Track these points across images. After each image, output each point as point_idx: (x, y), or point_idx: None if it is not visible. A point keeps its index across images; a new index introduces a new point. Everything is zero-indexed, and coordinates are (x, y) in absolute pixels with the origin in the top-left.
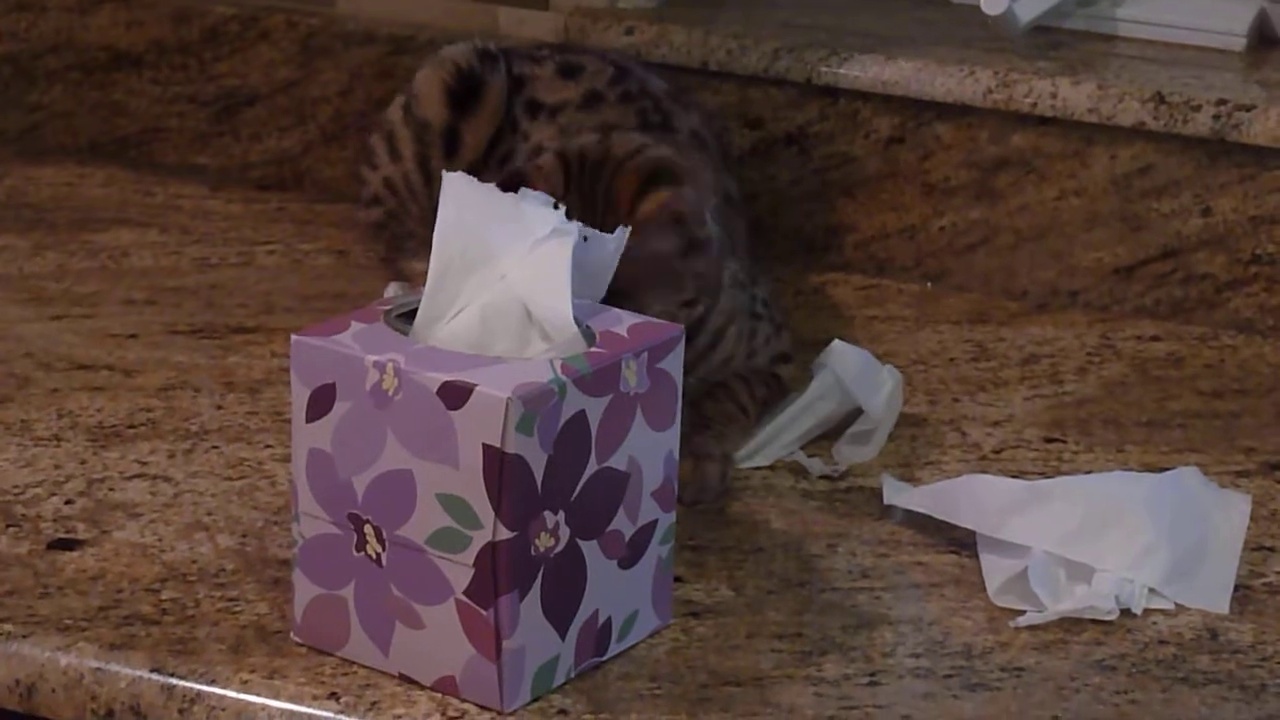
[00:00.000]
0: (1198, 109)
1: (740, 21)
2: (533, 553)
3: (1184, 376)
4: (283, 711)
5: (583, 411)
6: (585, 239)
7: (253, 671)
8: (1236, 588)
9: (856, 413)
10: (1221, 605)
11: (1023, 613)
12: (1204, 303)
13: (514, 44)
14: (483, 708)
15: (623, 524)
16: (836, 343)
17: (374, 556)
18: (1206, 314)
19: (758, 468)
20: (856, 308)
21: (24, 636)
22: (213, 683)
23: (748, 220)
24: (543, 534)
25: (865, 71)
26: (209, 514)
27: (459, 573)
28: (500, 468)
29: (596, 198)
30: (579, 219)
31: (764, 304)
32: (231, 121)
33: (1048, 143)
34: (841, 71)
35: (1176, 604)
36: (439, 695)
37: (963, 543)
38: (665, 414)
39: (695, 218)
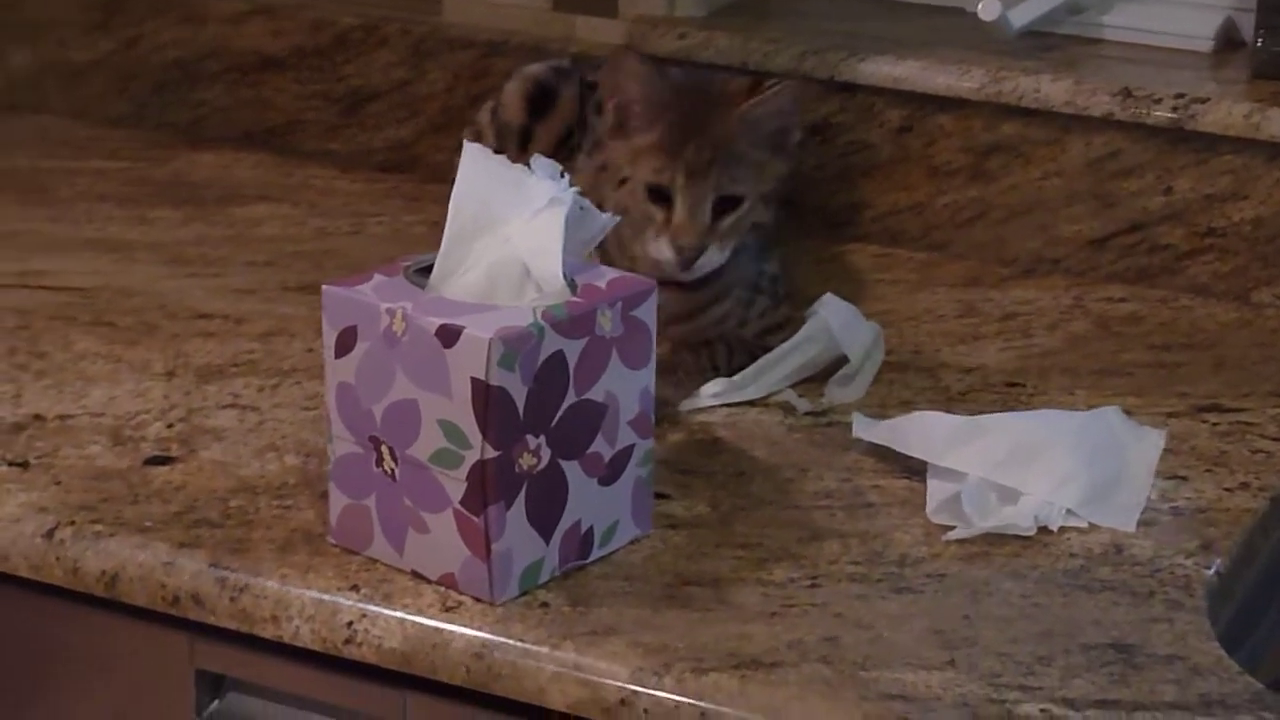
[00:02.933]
0: (1159, 101)
1: (776, 27)
2: (517, 470)
3: (1140, 333)
4: (312, 599)
5: (561, 351)
6: (582, 209)
7: (292, 567)
8: (1145, 510)
9: (844, 358)
10: (1129, 525)
11: (954, 529)
12: (1165, 269)
13: (590, 54)
14: (477, 599)
15: (602, 447)
16: (828, 295)
17: (389, 472)
18: (1168, 279)
19: (751, 402)
20: (869, 272)
21: (111, 535)
22: (258, 575)
23: (775, 208)
24: (525, 454)
25: (878, 69)
26: (283, 438)
27: (455, 486)
28: (485, 397)
29: (710, 93)
30: (696, 109)
31: (771, 280)
32: (358, 115)
33: (1032, 131)
34: (859, 69)
35: (1090, 523)
36: (442, 589)
37: (916, 470)
38: (640, 355)
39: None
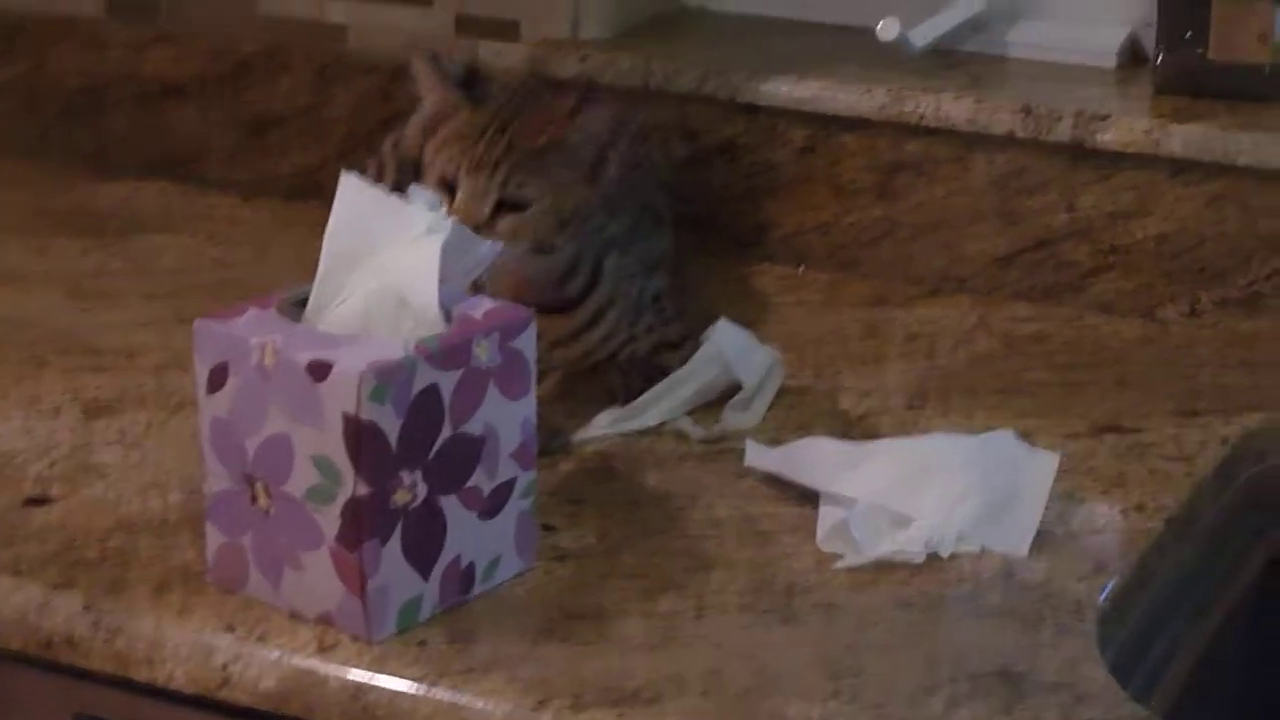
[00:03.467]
0: (1059, 119)
1: (680, 49)
2: (392, 506)
3: (1044, 352)
4: (187, 641)
5: (435, 384)
6: (463, 238)
7: (167, 608)
8: (1040, 533)
9: (739, 384)
10: (1022, 549)
11: (844, 557)
12: (1071, 287)
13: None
14: (354, 638)
15: (481, 480)
16: (721, 320)
17: (264, 509)
18: (1073, 297)
19: (644, 432)
20: (775, 293)
21: None
22: (132, 617)
23: (671, 232)
24: (400, 490)
25: (780, 90)
26: (168, 474)
27: (330, 523)
28: (357, 432)
29: (526, 103)
30: (504, 112)
31: (654, 296)
32: (262, 141)
33: (936, 149)
34: (760, 90)
35: (982, 548)
36: (320, 628)
37: (810, 498)
38: (518, 386)
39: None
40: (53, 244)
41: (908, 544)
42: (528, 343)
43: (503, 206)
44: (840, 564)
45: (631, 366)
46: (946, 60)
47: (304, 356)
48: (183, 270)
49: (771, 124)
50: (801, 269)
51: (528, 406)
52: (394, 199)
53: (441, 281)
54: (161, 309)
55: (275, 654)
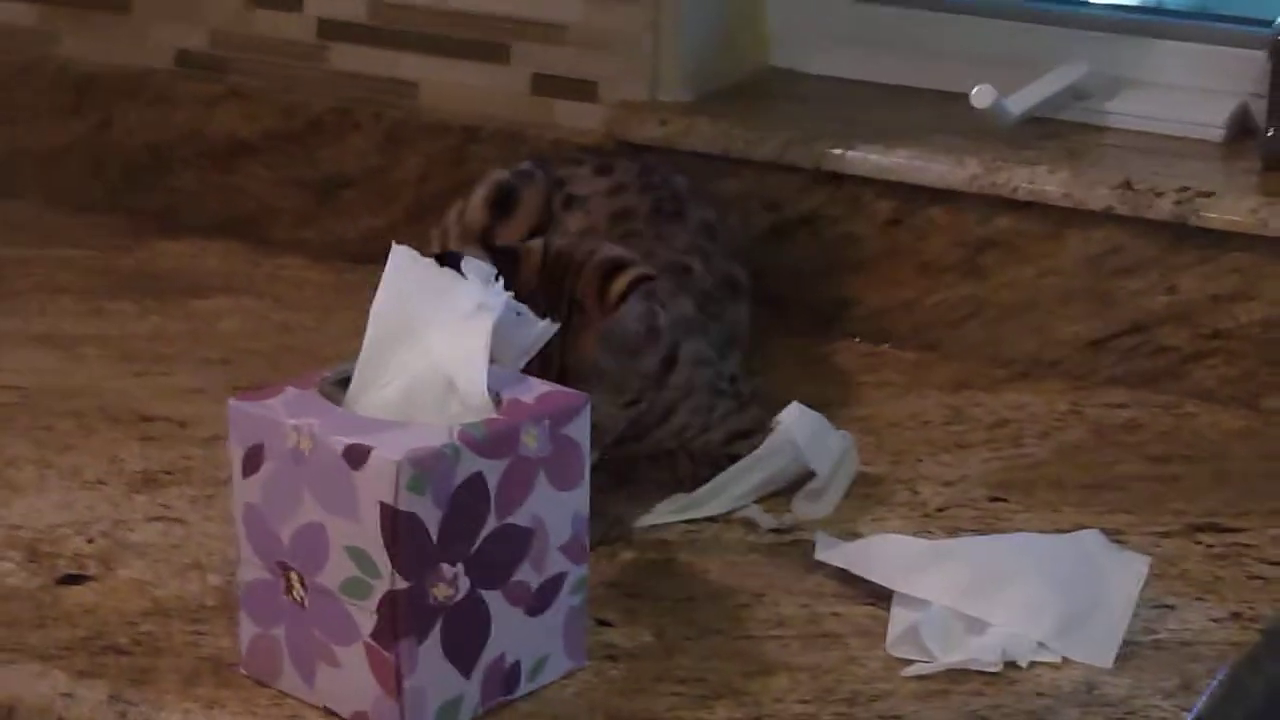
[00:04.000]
0: (1161, 195)
1: (764, 114)
2: (431, 601)
3: (1137, 441)
4: None
5: (480, 473)
6: (518, 314)
7: (196, 700)
8: (1125, 643)
9: (812, 471)
10: (1106, 660)
11: (914, 663)
12: (1169, 373)
13: (564, 149)
14: None
15: (529, 575)
16: (793, 404)
17: (298, 600)
18: (1172, 384)
19: (711, 519)
20: (857, 373)
21: (10, 663)
22: (160, 710)
23: (749, 305)
24: (440, 584)
25: (866, 159)
26: (209, 555)
27: (365, 618)
28: (394, 523)
29: (563, 293)
30: (549, 307)
31: (730, 380)
32: (331, 202)
33: (1028, 225)
34: (845, 159)
35: (1063, 658)
36: None
37: (882, 596)
38: (570, 476)
39: (659, 298)
40: (110, 305)
41: (982, 652)
42: (581, 430)
43: None
44: (909, 671)
45: (702, 453)
46: (1044, 130)
47: (340, 442)
48: (242, 335)
49: (856, 194)
50: (886, 346)
51: (580, 498)
52: (445, 273)
53: (492, 363)
54: (217, 375)
55: None
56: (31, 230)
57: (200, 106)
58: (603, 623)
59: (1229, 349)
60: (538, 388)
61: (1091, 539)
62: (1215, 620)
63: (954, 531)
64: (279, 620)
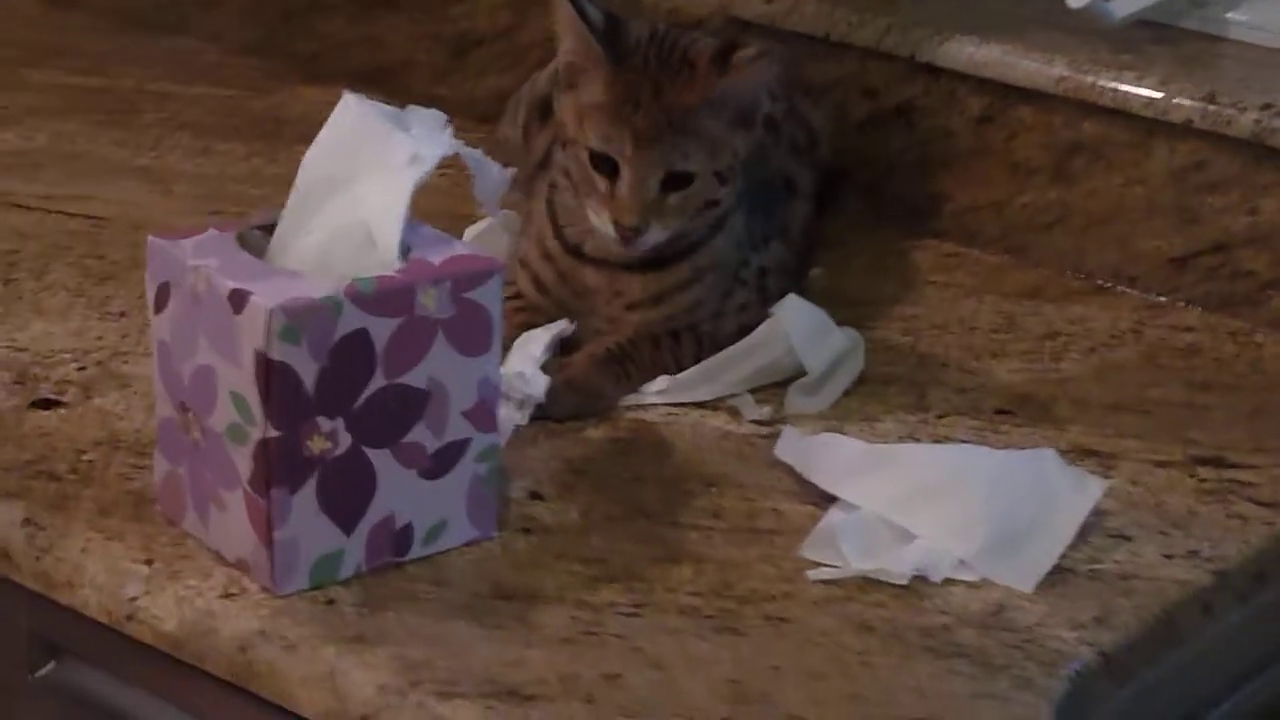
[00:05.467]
0: (1244, 110)
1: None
2: (305, 453)
3: (1187, 367)
4: (105, 569)
5: (364, 329)
6: (476, 161)
7: (101, 531)
8: (1060, 570)
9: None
10: (1027, 584)
11: (823, 568)
12: (1247, 299)
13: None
14: (263, 588)
15: (424, 437)
16: (790, 296)
17: (195, 441)
18: (1250, 310)
19: (700, 405)
20: (929, 272)
21: None
22: (65, 536)
23: (809, 207)
24: (316, 436)
25: (960, 52)
26: None
27: (244, 464)
28: (267, 371)
29: (674, 51)
30: (659, 63)
31: (758, 272)
32: (464, 60)
33: (1115, 132)
34: (939, 50)
35: (984, 579)
36: (236, 573)
37: (830, 499)
38: (476, 341)
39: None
40: (220, 146)
41: (894, 563)
42: (490, 296)
43: (668, 182)
44: (815, 574)
45: (710, 341)
46: (1157, 35)
47: (227, 285)
48: None
49: (951, 88)
50: (972, 248)
51: (488, 364)
52: (391, 123)
53: (410, 218)
54: None
55: (182, 593)
56: (186, 67)
57: None
58: (535, 495)
59: None
60: (454, 249)
61: (1048, 458)
62: (1168, 556)
63: (940, 438)
64: (183, 459)
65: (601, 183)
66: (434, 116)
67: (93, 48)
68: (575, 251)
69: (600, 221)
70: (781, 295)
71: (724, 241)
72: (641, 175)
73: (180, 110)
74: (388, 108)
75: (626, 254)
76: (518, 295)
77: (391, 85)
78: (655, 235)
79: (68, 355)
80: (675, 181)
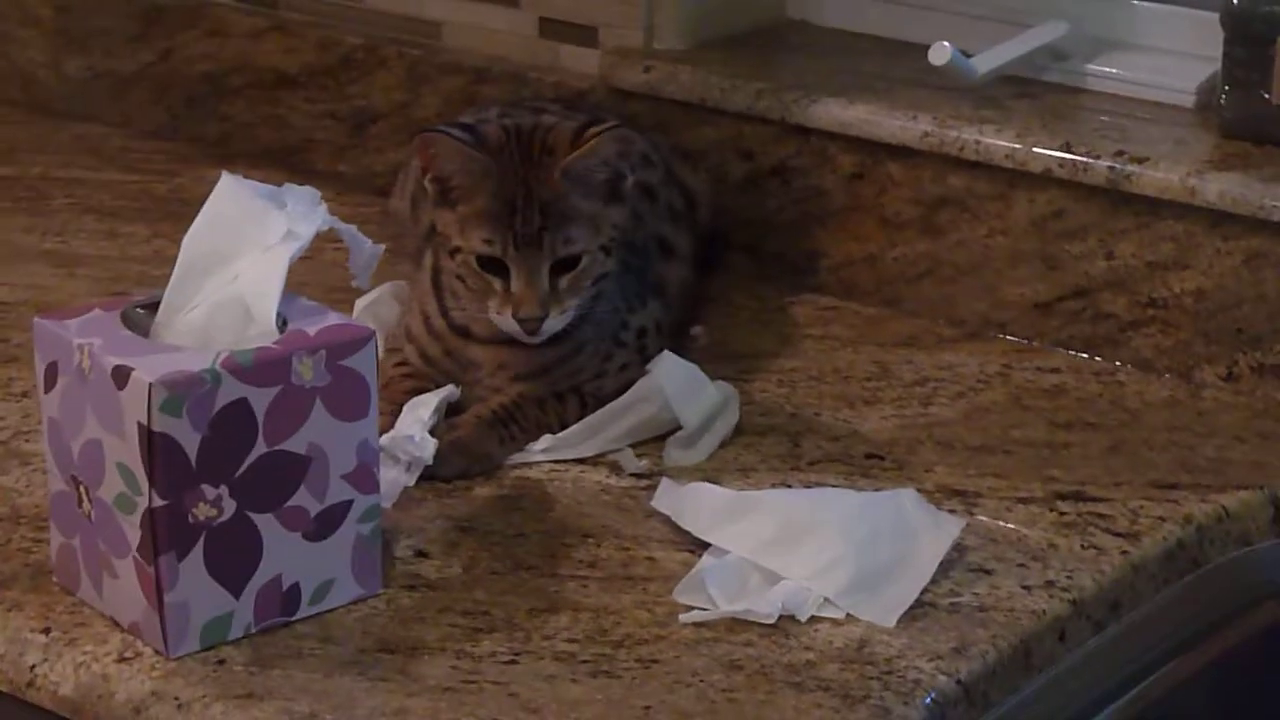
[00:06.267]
0: (1097, 158)
1: (748, 64)
2: (191, 520)
3: (1050, 408)
4: (4, 639)
5: (245, 399)
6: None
7: (1, 603)
8: (921, 605)
9: None
10: (889, 620)
11: (692, 610)
12: (1109, 340)
13: (533, 100)
14: (156, 651)
15: (306, 501)
16: (665, 353)
17: (87, 513)
18: (1113, 350)
19: (581, 461)
20: (807, 326)
21: None
22: None
23: (685, 268)
24: (201, 504)
25: (829, 113)
26: None
27: (133, 532)
28: (150, 443)
29: (533, 144)
30: (519, 159)
31: (637, 333)
32: (362, 136)
33: (979, 185)
34: (809, 112)
35: (848, 615)
36: (130, 637)
37: (704, 545)
38: (353, 407)
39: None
40: (125, 228)
41: (760, 604)
42: (364, 363)
43: (556, 268)
44: (686, 617)
45: (593, 399)
46: (1017, 89)
47: (111, 362)
48: None
49: (823, 147)
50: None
51: (366, 428)
52: (268, 202)
53: (286, 290)
54: None
55: (79, 659)
56: (94, 153)
57: (249, 39)
58: (421, 553)
59: (1165, 318)
60: (328, 319)
61: (905, 498)
62: (1026, 588)
63: (811, 484)
64: (76, 531)
65: (496, 283)
66: (309, 194)
67: (2, 136)
68: (461, 331)
69: (502, 320)
70: (659, 353)
71: (602, 308)
72: (531, 269)
73: (88, 195)
74: (265, 186)
75: (533, 342)
76: (405, 362)
77: (294, 163)
78: (556, 321)
79: None
80: (564, 266)
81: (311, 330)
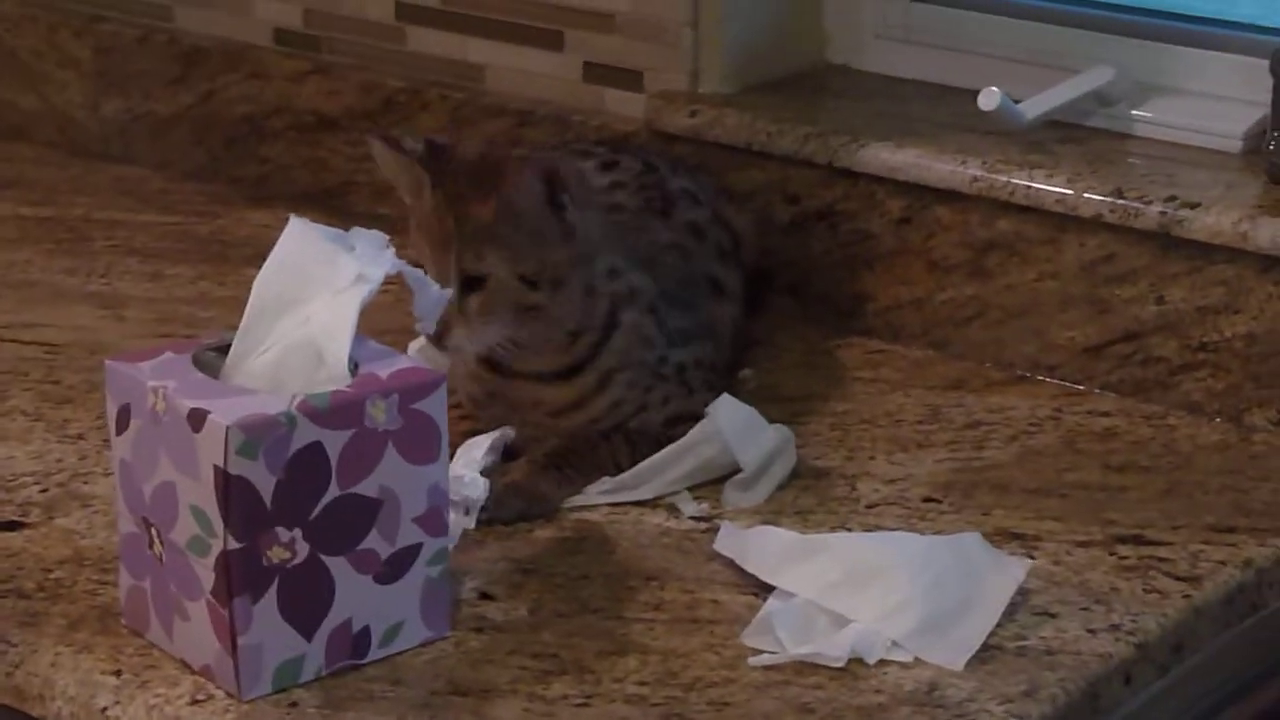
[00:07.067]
0: (1149, 204)
1: (794, 108)
2: (265, 563)
3: (1103, 451)
4: (76, 681)
5: (319, 442)
6: (417, 281)
7: (71, 645)
8: (989, 648)
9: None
10: (957, 663)
11: (762, 654)
12: (1159, 384)
13: (579, 142)
14: (229, 694)
15: (377, 544)
16: (724, 396)
17: (158, 555)
18: (1162, 394)
19: (640, 504)
20: (855, 369)
21: None
22: (35, 652)
23: (736, 309)
24: (275, 547)
25: (877, 157)
26: None
27: (206, 575)
28: (226, 486)
29: (480, 174)
30: (456, 189)
31: (678, 368)
32: None
33: (1028, 229)
34: (858, 156)
35: (916, 658)
36: (202, 680)
37: (767, 588)
38: (424, 450)
39: (565, 185)
40: (169, 270)
41: (830, 647)
42: (435, 406)
43: (467, 286)
44: (755, 660)
45: (642, 436)
46: (1064, 134)
47: (186, 405)
48: None
49: (871, 191)
50: (896, 344)
51: (437, 472)
52: (332, 244)
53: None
54: None
55: (151, 702)
56: (133, 195)
57: (290, 82)
58: (485, 595)
59: (1215, 362)
60: (399, 363)
61: (970, 542)
62: (1091, 631)
63: (871, 528)
64: (146, 573)
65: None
66: (376, 237)
67: (42, 178)
68: (498, 368)
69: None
70: (707, 389)
71: (622, 343)
72: (438, 275)
73: (129, 237)
74: (332, 229)
75: (442, 353)
76: (459, 405)
77: (333, 205)
78: (461, 339)
79: (29, 478)
80: (471, 284)
81: (383, 374)
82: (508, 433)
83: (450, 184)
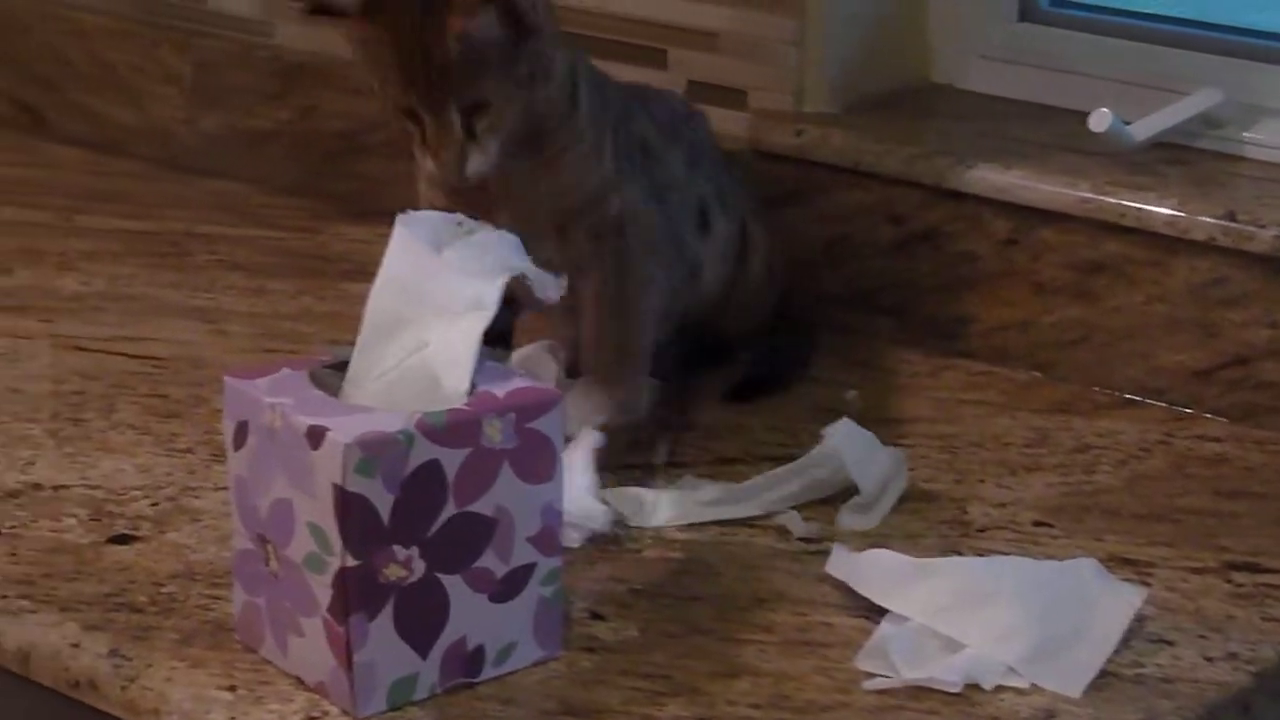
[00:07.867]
0: (1263, 227)
1: (900, 128)
2: (381, 580)
3: (1214, 476)
4: (190, 696)
5: (436, 460)
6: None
7: (183, 660)
8: (1105, 675)
9: (852, 483)
10: (1075, 690)
11: (876, 678)
12: (1272, 409)
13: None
14: (344, 711)
15: (492, 563)
16: (844, 420)
17: (274, 572)
18: (1273, 420)
19: (749, 524)
20: (960, 391)
21: (32, 612)
22: (150, 666)
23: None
24: (392, 565)
25: (984, 178)
26: None
27: (323, 592)
28: (344, 504)
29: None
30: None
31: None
32: None
33: (1136, 251)
34: (965, 177)
35: (1032, 685)
36: (316, 697)
37: (880, 611)
38: (541, 469)
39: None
40: (271, 285)
41: (945, 672)
42: (551, 426)
43: (468, 112)
44: (868, 684)
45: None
46: (1172, 156)
47: (304, 422)
48: None
49: (976, 212)
50: (1000, 366)
51: (552, 491)
52: (443, 260)
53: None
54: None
55: (266, 718)
56: (232, 210)
57: None
58: (595, 615)
59: None
60: (513, 382)
61: (1084, 567)
62: (1209, 659)
63: (982, 552)
64: (261, 589)
65: (415, 130)
66: (504, 239)
67: (141, 192)
68: None
69: (428, 164)
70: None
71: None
72: (439, 114)
73: (230, 251)
74: (450, 218)
75: (462, 184)
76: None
77: None
78: (478, 161)
79: (139, 491)
80: (474, 110)
81: (500, 392)
82: (599, 438)
83: (405, 19)
